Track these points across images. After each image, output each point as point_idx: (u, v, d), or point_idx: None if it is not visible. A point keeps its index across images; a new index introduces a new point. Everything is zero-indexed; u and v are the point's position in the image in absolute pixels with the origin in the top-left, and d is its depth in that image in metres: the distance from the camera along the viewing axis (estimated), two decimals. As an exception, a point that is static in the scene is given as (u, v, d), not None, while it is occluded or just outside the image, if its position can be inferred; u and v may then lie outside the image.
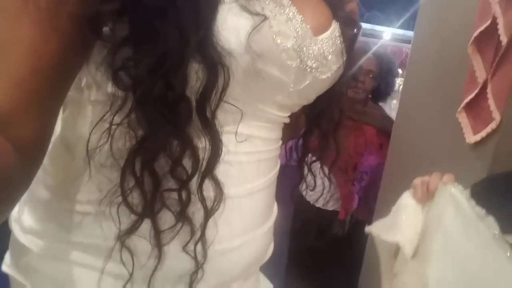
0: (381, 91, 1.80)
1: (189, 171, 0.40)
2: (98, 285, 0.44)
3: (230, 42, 0.38)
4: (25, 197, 0.47)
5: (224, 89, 0.38)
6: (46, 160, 0.41)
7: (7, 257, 0.50)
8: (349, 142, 1.69)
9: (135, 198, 0.39)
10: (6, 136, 0.32)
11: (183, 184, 0.40)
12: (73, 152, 0.45)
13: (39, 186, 0.47)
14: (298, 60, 0.46)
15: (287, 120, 0.56)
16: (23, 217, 0.48)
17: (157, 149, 0.38)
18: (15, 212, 0.51)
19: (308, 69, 0.48)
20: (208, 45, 0.36)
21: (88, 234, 0.44)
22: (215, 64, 0.37)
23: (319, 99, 0.56)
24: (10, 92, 0.33)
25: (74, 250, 0.45)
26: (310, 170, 0.64)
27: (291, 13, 0.44)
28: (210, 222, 0.43)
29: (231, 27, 0.38)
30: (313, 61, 0.48)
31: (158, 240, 0.41)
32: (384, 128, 1.69)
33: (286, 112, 0.54)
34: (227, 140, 0.45)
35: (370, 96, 1.81)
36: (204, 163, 0.40)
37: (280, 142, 0.57)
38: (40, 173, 0.40)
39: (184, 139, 0.38)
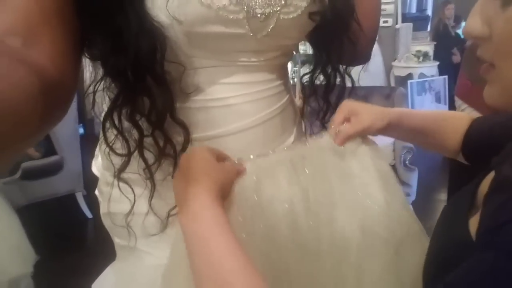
0: None
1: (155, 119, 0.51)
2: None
3: (159, 17, 0.48)
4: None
5: (162, 54, 0.49)
6: None
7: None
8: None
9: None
10: (27, 60, 0.38)
11: (153, 128, 0.52)
12: None
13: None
14: (244, 11, 0.51)
15: (278, 61, 0.60)
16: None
17: (126, 103, 0.50)
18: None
19: (259, 16, 0.52)
20: (145, 23, 0.47)
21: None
22: (151, 36, 0.47)
23: (322, 30, 0.58)
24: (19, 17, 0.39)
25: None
26: None
27: None
28: None
29: (158, 4, 0.47)
30: (264, 8, 0.52)
31: (150, 172, 0.55)
32: None
33: (265, 56, 0.57)
34: (214, 90, 0.56)
35: None
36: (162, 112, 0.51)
37: (280, 81, 0.62)
38: None
39: (144, 93, 0.50)
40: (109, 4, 0.45)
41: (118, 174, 0.56)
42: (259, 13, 0.52)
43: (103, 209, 0.64)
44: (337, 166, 0.56)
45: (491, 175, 0.45)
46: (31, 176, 2.27)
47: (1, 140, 0.33)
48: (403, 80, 3.66)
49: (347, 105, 0.60)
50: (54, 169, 2.34)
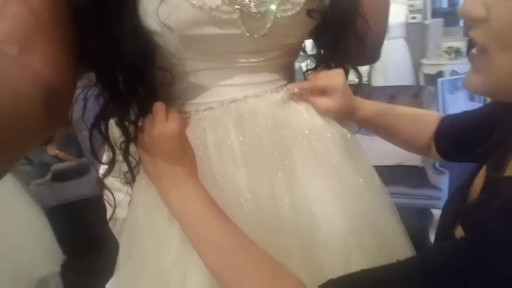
0: None
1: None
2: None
3: (151, 25, 0.47)
4: None
5: (153, 62, 0.50)
6: None
7: None
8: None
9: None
10: (24, 67, 0.39)
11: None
12: None
13: None
14: (238, 11, 0.48)
15: (281, 61, 0.57)
16: None
17: (115, 111, 0.51)
18: None
19: (254, 15, 0.49)
20: (138, 32, 0.47)
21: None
22: (144, 44, 0.48)
23: (327, 26, 0.56)
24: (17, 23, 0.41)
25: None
26: None
27: None
28: None
29: (149, 12, 0.47)
30: (259, 7, 0.49)
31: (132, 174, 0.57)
32: None
33: (265, 56, 0.55)
34: (213, 92, 0.54)
35: None
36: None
37: (285, 81, 0.58)
38: None
39: (133, 101, 0.52)
40: (103, 15, 0.46)
41: (101, 180, 0.57)
42: (254, 12, 0.49)
43: (109, 215, 0.63)
44: (286, 121, 0.55)
45: (483, 172, 0.47)
46: (61, 178, 2.34)
47: (1, 146, 0.33)
48: (433, 78, 3.52)
49: (331, 77, 0.58)
50: (83, 171, 2.41)
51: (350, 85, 0.60)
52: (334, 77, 0.58)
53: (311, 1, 0.52)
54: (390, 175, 1.51)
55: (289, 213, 0.52)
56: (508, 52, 0.36)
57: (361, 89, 0.63)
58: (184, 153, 0.50)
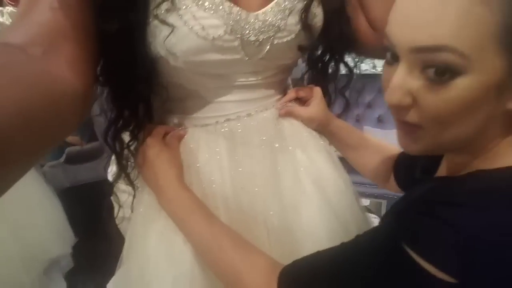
0: None
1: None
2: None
3: (158, 51, 0.51)
4: None
5: (154, 83, 0.54)
6: None
7: None
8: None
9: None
10: (47, 67, 0.40)
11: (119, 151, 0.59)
12: None
13: None
14: (239, 39, 0.52)
15: (277, 78, 0.62)
16: None
17: (124, 125, 0.57)
18: None
19: (253, 42, 0.53)
20: (144, 57, 0.51)
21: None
22: (146, 71, 0.52)
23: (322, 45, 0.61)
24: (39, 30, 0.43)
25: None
26: None
27: (216, 3, 0.50)
28: None
29: (158, 40, 0.51)
30: (258, 35, 0.53)
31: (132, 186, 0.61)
32: None
33: (263, 75, 0.59)
34: (213, 108, 0.59)
35: None
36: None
37: (279, 95, 0.64)
38: None
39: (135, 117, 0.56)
40: (115, 40, 0.49)
41: (111, 186, 0.62)
42: (253, 40, 0.53)
43: (116, 214, 0.67)
44: (278, 137, 0.60)
45: None
46: (74, 161, 2.39)
47: (26, 146, 0.34)
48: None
49: (311, 90, 0.67)
50: (96, 155, 2.44)
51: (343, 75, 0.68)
52: (312, 88, 0.67)
53: (304, 30, 0.56)
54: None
55: (276, 223, 0.54)
56: (445, 126, 0.38)
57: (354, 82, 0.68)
58: (172, 164, 0.57)
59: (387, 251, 0.38)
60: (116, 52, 0.49)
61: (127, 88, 0.52)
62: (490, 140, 0.40)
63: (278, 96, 0.64)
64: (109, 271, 0.69)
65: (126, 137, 0.59)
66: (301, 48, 0.58)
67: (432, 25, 0.35)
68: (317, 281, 0.43)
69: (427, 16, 0.35)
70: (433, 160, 0.51)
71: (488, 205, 0.34)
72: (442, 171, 0.49)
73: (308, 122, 0.65)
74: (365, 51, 0.65)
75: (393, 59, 0.40)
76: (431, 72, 0.36)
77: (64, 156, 2.38)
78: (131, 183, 0.60)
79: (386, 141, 0.72)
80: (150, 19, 0.50)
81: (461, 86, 0.35)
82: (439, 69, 0.35)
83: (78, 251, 1.60)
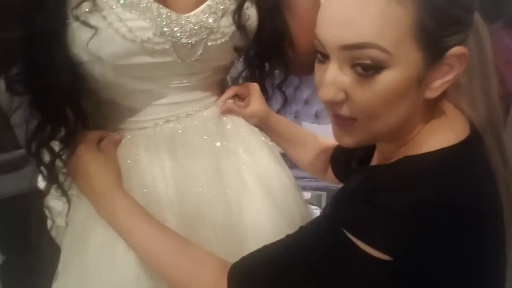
0: None
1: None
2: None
3: (80, 55, 0.49)
4: None
5: (81, 89, 0.52)
6: None
7: None
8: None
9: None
10: None
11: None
12: None
13: None
14: (170, 42, 0.51)
15: (213, 79, 0.61)
16: None
17: (49, 134, 0.54)
18: None
19: (185, 45, 0.52)
20: (64, 62, 0.48)
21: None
22: (72, 72, 0.49)
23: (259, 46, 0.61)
24: None
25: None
26: None
27: (144, 4, 0.48)
28: None
29: (78, 43, 0.48)
30: (190, 38, 0.52)
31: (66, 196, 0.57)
32: None
33: (199, 76, 0.58)
34: (147, 111, 0.57)
35: None
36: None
37: (216, 96, 0.63)
38: None
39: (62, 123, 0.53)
40: (29, 42, 0.46)
41: (42, 196, 0.59)
42: (185, 43, 0.52)
43: (50, 226, 0.63)
44: (220, 136, 0.60)
45: None
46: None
47: None
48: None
49: (249, 87, 0.67)
50: (20, 165, 2.25)
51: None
52: (249, 84, 0.67)
53: (238, 31, 0.55)
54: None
55: (222, 222, 0.54)
56: (376, 117, 0.42)
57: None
58: (108, 170, 0.55)
59: (329, 237, 0.41)
60: (31, 57, 0.46)
61: (50, 94, 0.49)
62: (414, 127, 0.45)
63: (217, 96, 0.63)
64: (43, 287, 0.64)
65: (56, 147, 0.55)
66: (237, 49, 0.58)
67: (357, 24, 0.38)
68: (266, 273, 0.44)
69: (352, 16, 0.38)
70: (367, 151, 0.56)
71: (414, 187, 0.39)
72: (375, 160, 0.53)
73: (249, 117, 0.66)
74: (296, 59, 0.67)
75: (324, 58, 0.43)
76: (359, 68, 0.40)
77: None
78: (64, 193, 0.57)
79: (324, 136, 0.75)
80: (70, 20, 0.47)
81: (387, 80, 0.39)
82: (366, 64, 0.39)
83: (6, 270, 1.47)
